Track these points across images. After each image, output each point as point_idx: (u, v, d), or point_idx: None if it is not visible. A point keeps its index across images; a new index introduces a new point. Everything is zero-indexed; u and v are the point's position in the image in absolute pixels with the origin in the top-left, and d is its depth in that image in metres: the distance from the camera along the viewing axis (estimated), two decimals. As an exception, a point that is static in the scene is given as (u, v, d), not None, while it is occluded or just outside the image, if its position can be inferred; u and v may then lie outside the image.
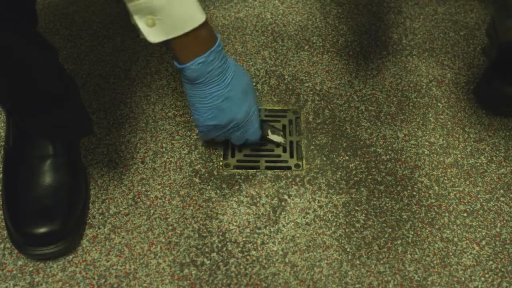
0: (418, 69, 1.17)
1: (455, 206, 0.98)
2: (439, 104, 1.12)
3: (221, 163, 1.02)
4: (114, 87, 1.12)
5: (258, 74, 1.15)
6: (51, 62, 0.84)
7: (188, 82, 0.88)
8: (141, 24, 0.78)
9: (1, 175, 0.96)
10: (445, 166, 1.03)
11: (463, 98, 1.13)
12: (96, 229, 0.93)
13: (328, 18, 1.26)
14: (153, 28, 0.78)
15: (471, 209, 0.98)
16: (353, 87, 1.13)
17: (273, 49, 1.19)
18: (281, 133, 1.04)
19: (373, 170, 1.02)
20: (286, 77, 1.14)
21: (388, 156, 1.04)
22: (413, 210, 0.97)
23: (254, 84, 1.13)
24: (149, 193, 0.98)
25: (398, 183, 1.00)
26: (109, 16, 1.28)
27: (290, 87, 1.13)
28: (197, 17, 0.80)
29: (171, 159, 1.02)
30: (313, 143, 1.05)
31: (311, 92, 1.12)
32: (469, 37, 1.24)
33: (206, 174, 1.00)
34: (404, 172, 1.02)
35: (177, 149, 1.03)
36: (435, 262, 0.92)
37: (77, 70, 1.15)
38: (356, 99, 1.11)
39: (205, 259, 0.91)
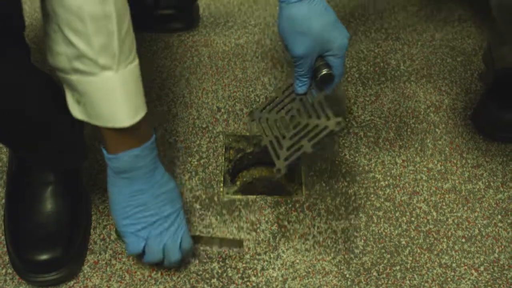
0: (416, 95, 1.18)
1: (453, 232, 0.99)
2: (437, 130, 1.13)
3: (221, 189, 1.03)
4: (116, 113, 1.13)
5: (258, 100, 1.16)
6: (46, 90, 0.84)
7: (112, 174, 0.81)
8: (69, 96, 0.74)
9: (4, 200, 0.97)
10: (443, 191, 1.04)
11: (460, 123, 1.14)
12: (97, 254, 0.94)
13: (327, 45, 1.28)
14: (78, 106, 0.74)
15: (469, 234, 0.99)
16: (352, 113, 1.14)
17: (272, 75, 1.21)
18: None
19: (372, 196, 1.03)
20: (286, 103, 1.16)
21: (386, 182, 1.05)
22: (412, 235, 0.98)
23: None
24: (150, 219, 0.98)
25: (396, 209, 1.01)
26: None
27: (290, 113, 1.14)
28: (120, 119, 0.73)
29: (171, 185, 1.03)
30: (313, 169, 1.06)
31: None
32: (466, 63, 1.26)
33: (207, 200, 1.01)
34: (403, 198, 1.03)
35: (178, 175, 1.04)
36: (433, 288, 0.92)
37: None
38: (355, 125, 1.12)
39: (205, 285, 0.91)
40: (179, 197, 0.87)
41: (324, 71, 0.84)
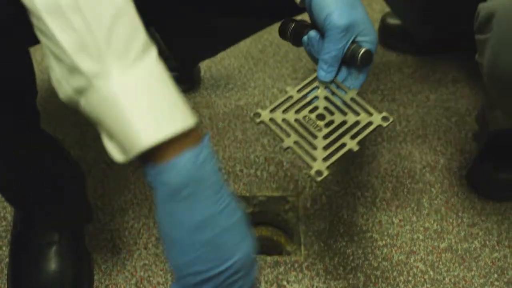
0: (412, 155, 1.21)
1: (450, 291, 1.01)
2: (432, 189, 1.15)
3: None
4: (119, 173, 1.16)
5: (257, 161, 1.19)
6: (54, 155, 0.87)
7: (165, 197, 0.57)
8: (104, 138, 0.59)
9: (8, 259, 0.99)
10: (439, 251, 1.06)
11: (456, 183, 1.17)
12: (99, 315, 0.96)
13: (325, 106, 1.32)
14: (112, 143, 0.58)
15: (466, 294, 1.01)
16: (349, 173, 1.17)
17: (272, 137, 1.24)
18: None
19: (370, 255, 1.05)
20: (285, 163, 1.19)
21: (384, 242, 1.07)
22: (409, 295, 1.00)
23: (253, 171, 1.17)
24: (151, 278, 1.00)
25: (394, 268, 1.03)
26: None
27: (289, 174, 1.17)
28: (137, 137, 0.54)
29: (173, 245, 1.05)
30: (311, 229, 1.08)
31: (309, 179, 1.16)
32: (460, 123, 1.29)
33: (207, 260, 1.03)
34: (400, 257, 1.05)
35: (179, 235, 1.06)
36: None
37: (83, 156, 1.19)
38: (353, 185, 1.15)
39: None
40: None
41: (364, 49, 0.75)
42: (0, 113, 0.70)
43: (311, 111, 0.76)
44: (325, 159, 0.70)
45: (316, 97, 0.77)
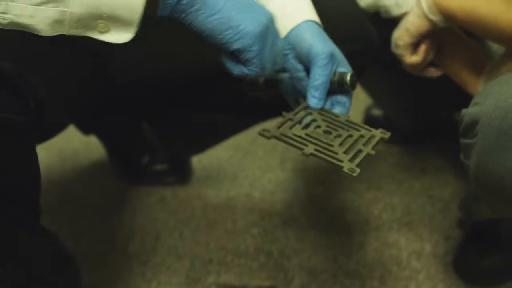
0: (398, 243, 1.24)
1: None
2: (419, 276, 1.17)
3: None
4: (112, 264, 1.19)
5: (248, 251, 1.22)
6: (51, 251, 0.90)
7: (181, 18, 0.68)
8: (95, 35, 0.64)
9: None
10: (428, 338, 1.07)
11: (442, 269, 1.19)
12: None
13: (313, 196, 1.36)
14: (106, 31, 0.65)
15: None
16: (337, 262, 1.20)
17: (261, 227, 1.27)
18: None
19: None
20: (275, 253, 1.21)
21: (373, 330, 1.08)
22: None
23: (243, 261, 1.20)
24: None
25: None
26: (107, 194, 1.38)
27: (279, 263, 1.19)
28: None
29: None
30: (301, 318, 1.10)
31: (298, 268, 1.18)
32: (445, 210, 1.33)
33: None
34: None
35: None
36: None
37: (77, 247, 1.22)
38: (341, 274, 1.17)
39: None
40: None
41: (349, 73, 0.81)
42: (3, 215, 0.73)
43: (316, 128, 0.79)
44: (351, 160, 0.73)
45: (314, 120, 0.80)
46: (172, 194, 1.37)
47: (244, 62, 0.72)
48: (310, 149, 0.74)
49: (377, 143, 0.78)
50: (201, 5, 0.66)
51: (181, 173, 1.41)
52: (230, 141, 1.48)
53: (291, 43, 0.81)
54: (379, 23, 1.01)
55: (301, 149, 0.74)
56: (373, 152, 0.76)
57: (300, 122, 0.80)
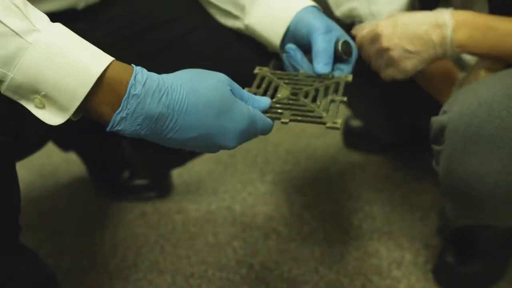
0: (379, 252, 1.25)
1: None
2: (400, 285, 1.18)
3: None
4: (94, 281, 1.18)
5: (229, 264, 1.22)
6: (31, 270, 0.89)
7: (154, 130, 0.64)
8: (31, 108, 0.62)
9: None
10: None
11: (422, 277, 1.20)
12: None
13: (293, 207, 1.37)
14: (45, 109, 0.63)
15: None
16: (318, 273, 1.20)
17: (242, 240, 1.28)
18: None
19: None
20: (256, 266, 1.22)
21: None
22: None
23: (225, 275, 1.20)
24: None
25: None
26: (88, 210, 1.38)
27: (260, 276, 1.19)
28: (89, 68, 0.61)
29: None
30: (283, 330, 1.10)
31: (280, 281, 1.18)
32: (424, 218, 1.34)
33: None
34: None
35: None
36: None
37: (59, 264, 1.22)
38: (322, 285, 1.18)
39: None
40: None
41: (342, 40, 0.86)
42: None
43: (282, 93, 0.82)
44: (326, 111, 0.77)
45: (276, 86, 0.83)
46: (153, 209, 1.37)
47: None
48: (286, 116, 0.75)
49: (344, 88, 0.82)
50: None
51: (161, 188, 1.41)
52: (210, 155, 1.50)
53: (292, 33, 0.88)
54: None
55: (278, 118, 0.75)
56: (345, 99, 0.79)
57: (265, 93, 0.82)
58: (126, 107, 0.62)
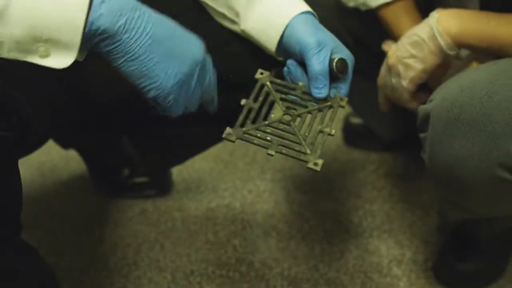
0: (379, 250, 1.25)
1: None
2: (400, 283, 1.19)
3: None
4: (93, 279, 1.18)
5: (229, 262, 1.22)
6: (31, 268, 0.89)
7: (108, 51, 0.66)
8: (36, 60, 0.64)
9: None
10: None
11: (422, 275, 1.20)
12: None
13: (293, 205, 1.37)
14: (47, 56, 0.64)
15: None
16: (318, 270, 1.20)
17: (243, 237, 1.28)
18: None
19: None
20: (256, 264, 1.22)
21: (355, 338, 1.09)
22: None
23: (225, 272, 1.20)
24: None
25: None
26: (88, 208, 1.38)
27: (260, 274, 1.20)
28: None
29: None
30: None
31: (279, 278, 1.18)
32: (424, 216, 1.34)
33: None
34: None
35: None
36: None
37: (58, 263, 1.22)
38: (322, 283, 1.18)
39: None
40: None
41: (337, 57, 0.82)
42: None
43: (276, 113, 0.82)
44: (313, 150, 0.77)
45: (272, 101, 0.83)
46: (153, 206, 1.37)
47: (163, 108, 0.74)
48: (273, 148, 0.76)
49: (335, 113, 0.81)
50: (119, 50, 0.67)
51: (161, 186, 1.41)
52: (210, 152, 1.49)
53: (286, 45, 0.85)
54: (362, 24, 1.07)
55: (265, 147, 0.77)
56: (333, 132, 0.79)
57: (261, 108, 0.81)
58: None
